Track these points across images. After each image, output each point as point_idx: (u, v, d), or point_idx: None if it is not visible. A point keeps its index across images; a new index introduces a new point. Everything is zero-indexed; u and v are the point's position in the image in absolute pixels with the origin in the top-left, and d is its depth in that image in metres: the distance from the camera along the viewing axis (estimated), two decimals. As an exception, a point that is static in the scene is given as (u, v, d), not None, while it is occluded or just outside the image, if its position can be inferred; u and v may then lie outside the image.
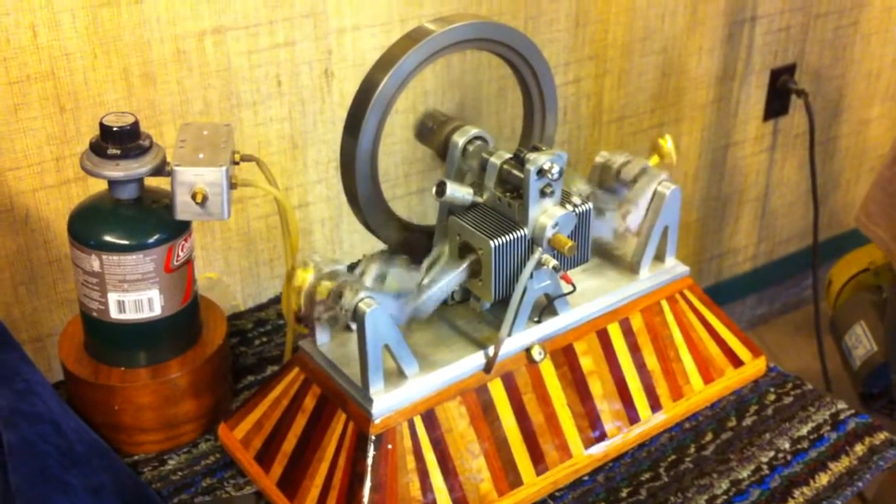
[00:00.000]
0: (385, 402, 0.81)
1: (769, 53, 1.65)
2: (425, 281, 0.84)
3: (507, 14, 1.28)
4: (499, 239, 0.83)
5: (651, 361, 0.95)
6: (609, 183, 0.95)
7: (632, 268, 0.97)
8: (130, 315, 0.87)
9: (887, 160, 1.40)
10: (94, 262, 0.85)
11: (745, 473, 0.91)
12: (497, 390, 0.87)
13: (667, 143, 0.97)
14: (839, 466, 0.92)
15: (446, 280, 0.84)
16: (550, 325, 0.90)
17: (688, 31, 1.51)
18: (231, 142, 0.86)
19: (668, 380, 0.95)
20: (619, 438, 0.91)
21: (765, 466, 0.92)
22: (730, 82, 1.62)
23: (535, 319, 0.90)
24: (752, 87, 1.66)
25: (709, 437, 0.95)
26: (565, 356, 0.91)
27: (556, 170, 0.83)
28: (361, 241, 1.26)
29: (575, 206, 0.86)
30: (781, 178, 1.82)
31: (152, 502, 0.84)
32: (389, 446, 0.81)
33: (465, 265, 0.85)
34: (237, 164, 0.86)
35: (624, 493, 0.88)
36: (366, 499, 0.79)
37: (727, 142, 1.68)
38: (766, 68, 1.67)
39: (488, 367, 0.85)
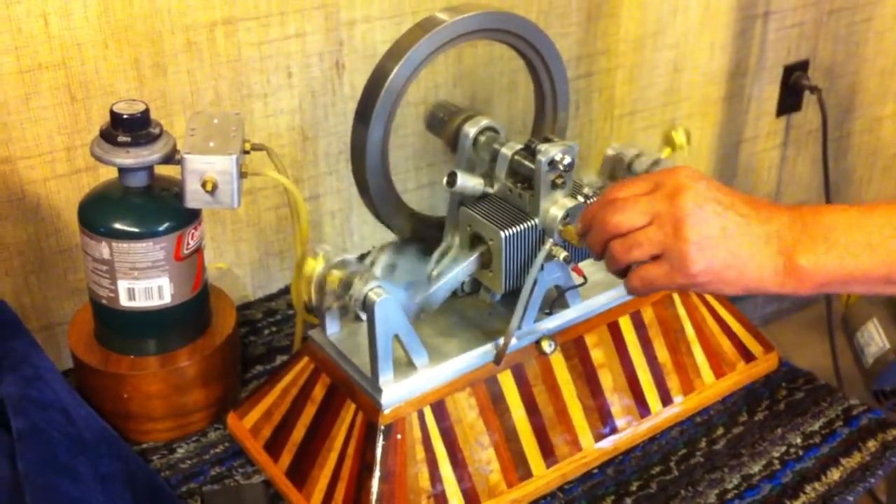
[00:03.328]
0: (394, 392, 0.81)
1: (782, 49, 1.64)
2: (435, 271, 0.84)
3: (519, 8, 1.28)
4: (509, 230, 0.82)
5: (662, 355, 0.94)
6: (620, 175, 0.94)
7: (643, 260, 0.96)
8: (140, 303, 0.86)
9: None
10: (103, 250, 0.85)
11: (756, 468, 0.90)
12: (507, 382, 0.86)
13: (679, 136, 0.97)
14: (851, 462, 0.91)
15: (456, 270, 0.84)
16: (561, 318, 0.90)
17: (700, 27, 1.50)
18: (241, 130, 0.86)
19: (679, 373, 0.95)
20: (630, 432, 0.91)
21: (776, 461, 0.91)
22: (742, 78, 1.61)
23: (546, 311, 0.89)
24: (764, 83, 1.65)
25: (720, 431, 0.94)
26: (576, 348, 0.90)
27: (567, 161, 0.82)
28: (372, 233, 1.25)
29: (586, 197, 0.85)
30: (794, 174, 1.81)
31: (161, 490, 0.84)
32: (399, 436, 0.81)
33: (475, 255, 0.84)
34: (247, 152, 0.86)
35: (634, 487, 0.88)
36: (374, 488, 0.79)
37: (739, 138, 1.67)
38: (779, 64, 1.66)
39: (498, 359, 0.85)
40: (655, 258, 0.71)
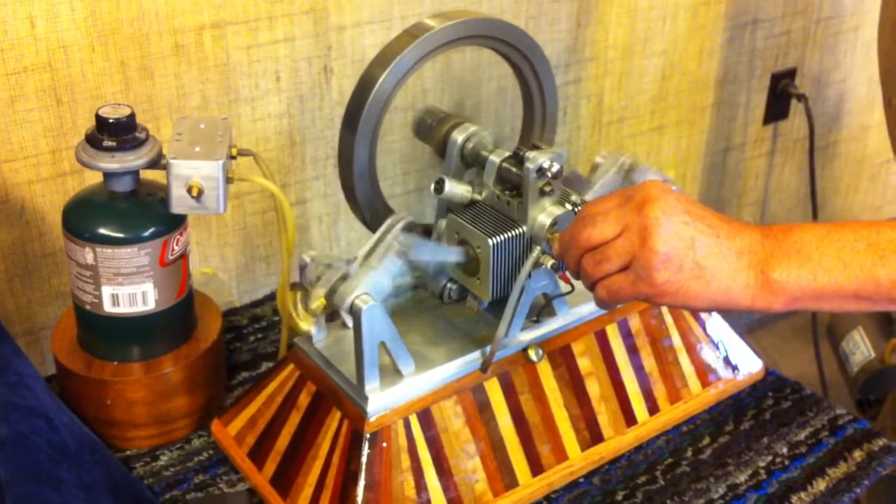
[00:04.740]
0: (380, 400, 0.80)
1: (770, 57, 1.65)
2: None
3: (509, 13, 1.28)
4: (497, 237, 0.82)
5: (649, 363, 0.94)
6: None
7: (630, 269, 0.96)
8: (124, 309, 0.86)
9: None
10: (87, 255, 0.84)
11: (742, 478, 0.90)
12: (493, 390, 0.86)
13: None
14: (837, 472, 0.91)
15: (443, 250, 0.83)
16: (548, 326, 0.89)
17: (689, 34, 1.50)
18: (228, 136, 0.85)
19: (665, 382, 0.95)
20: (616, 441, 0.91)
21: (762, 471, 0.91)
22: (730, 86, 1.61)
23: (533, 319, 0.89)
24: (752, 91, 1.66)
25: (706, 440, 0.94)
26: (563, 357, 0.90)
27: (555, 168, 0.82)
28: (359, 239, 1.25)
29: (574, 205, 0.85)
30: (781, 182, 1.82)
31: (144, 498, 0.84)
32: (384, 445, 0.80)
33: (461, 249, 0.83)
34: (234, 158, 0.85)
35: (619, 496, 0.88)
36: (359, 497, 0.78)
37: (727, 145, 1.68)
38: (767, 72, 1.66)
39: (485, 367, 0.85)
40: (624, 270, 0.71)
